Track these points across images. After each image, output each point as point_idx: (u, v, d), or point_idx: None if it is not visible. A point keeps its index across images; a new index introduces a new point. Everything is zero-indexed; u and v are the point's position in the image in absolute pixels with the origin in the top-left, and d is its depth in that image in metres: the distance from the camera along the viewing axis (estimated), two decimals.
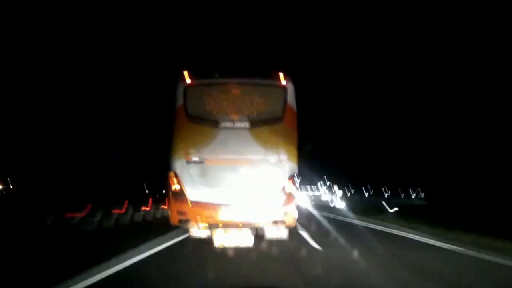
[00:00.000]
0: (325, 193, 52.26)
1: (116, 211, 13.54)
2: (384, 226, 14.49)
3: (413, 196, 67.53)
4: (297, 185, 6.88)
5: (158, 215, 17.59)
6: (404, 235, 11.32)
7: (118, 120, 33.38)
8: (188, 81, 6.94)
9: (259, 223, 6.62)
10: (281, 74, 6.93)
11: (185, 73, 6.90)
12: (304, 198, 38.13)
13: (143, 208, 16.58)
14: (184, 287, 4.93)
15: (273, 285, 4.93)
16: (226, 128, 6.68)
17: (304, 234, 10.13)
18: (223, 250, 6.80)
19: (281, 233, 6.83)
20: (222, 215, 6.47)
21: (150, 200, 18.16)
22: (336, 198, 44.28)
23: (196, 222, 6.55)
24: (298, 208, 7.31)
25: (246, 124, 6.70)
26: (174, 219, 6.63)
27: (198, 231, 6.78)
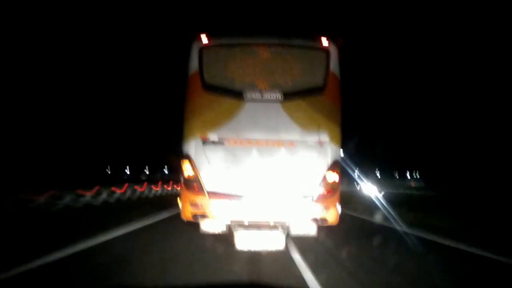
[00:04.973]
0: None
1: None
2: None
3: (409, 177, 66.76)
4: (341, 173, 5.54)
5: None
6: None
7: (119, 116, 32.25)
8: (205, 41, 5.47)
9: (293, 221, 5.32)
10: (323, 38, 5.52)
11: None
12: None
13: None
14: None
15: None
16: (252, 100, 5.29)
17: None
18: None
19: (309, 230, 5.54)
20: (247, 211, 5.16)
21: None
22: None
23: (214, 218, 5.25)
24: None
25: (278, 96, 5.32)
26: (187, 213, 5.29)
27: (210, 225, 5.46)
